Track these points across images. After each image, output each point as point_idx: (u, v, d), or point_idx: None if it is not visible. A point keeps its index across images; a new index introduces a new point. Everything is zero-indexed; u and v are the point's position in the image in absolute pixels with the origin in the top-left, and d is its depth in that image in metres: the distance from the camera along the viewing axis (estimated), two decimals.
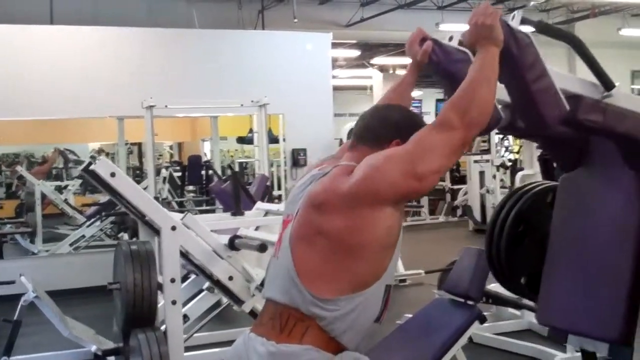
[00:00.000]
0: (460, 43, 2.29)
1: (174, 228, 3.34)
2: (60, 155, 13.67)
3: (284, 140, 9.07)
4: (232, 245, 3.41)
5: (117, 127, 9.16)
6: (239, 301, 3.52)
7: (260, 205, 4.37)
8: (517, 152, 12.91)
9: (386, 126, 1.91)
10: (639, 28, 12.01)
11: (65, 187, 11.55)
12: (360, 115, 2.03)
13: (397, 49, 13.73)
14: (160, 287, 3.41)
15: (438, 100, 16.29)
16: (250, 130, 11.46)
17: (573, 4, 11.86)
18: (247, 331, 1.90)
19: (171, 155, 16.28)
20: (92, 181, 3.76)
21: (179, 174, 11.32)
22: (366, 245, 1.74)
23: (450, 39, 2.29)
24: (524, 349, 4.76)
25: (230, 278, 3.46)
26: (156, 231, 3.87)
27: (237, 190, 3.91)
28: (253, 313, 3.51)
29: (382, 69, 15.39)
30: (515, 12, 2.10)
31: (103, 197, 10.55)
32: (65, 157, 13.64)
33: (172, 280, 3.30)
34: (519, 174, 8.89)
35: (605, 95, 2.08)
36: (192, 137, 15.99)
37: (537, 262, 2.43)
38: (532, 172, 6.91)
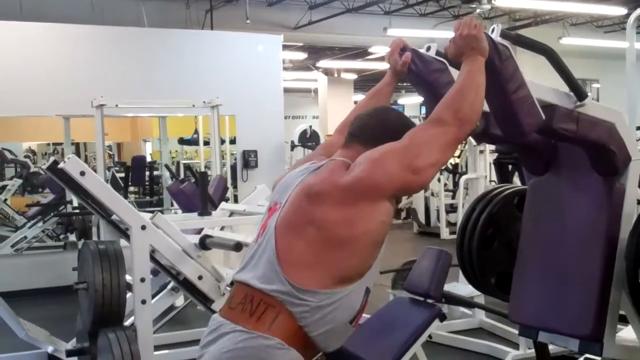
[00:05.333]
0: (438, 53, 2.40)
1: (143, 227, 3.34)
2: None
3: (231, 142, 9.08)
4: (203, 244, 3.44)
5: (62, 126, 8.99)
6: (208, 300, 3.55)
7: (225, 205, 4.41)
8: (458, 157, 13.24)
9: (384, 127, 1.96)
10: (578, 37, 12.48)
11: (4, 187, 11.25)
12: (355, 116, 2.06)
13: (343, 52, 13.89)
14: (128, 286, 3.41)
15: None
16: (196, 132, 11.43)
17: (515, 12, 12.24)
18: (216, 315, 1.88)
19: (110, 156, 16.01)
20: (56, 179, 3.73)
21: (122, 174, 11.15)
22: (358, 239, 1.76)
23: (428, 49, 2.40)
24: (477, 347, 4.93)
25: (200, 277, 3.48)
26: (121, 231, 3.87)
27: (205, 191, 3.94)
28: None
29: (327, 72, 15.52)
30: (495, 25, 2.22)
31: (43, 198, 10.35)
32: (4, 156, 13.27)
33: (142, 280, 3.31)
34: (463, 178, 9.13)
35: (578, 105, 2.22)
36: (132, 137, 15.77)
37: (506, 262, 2.56)
38: (475, 176, 7.09)
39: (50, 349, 4.93)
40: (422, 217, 11.46)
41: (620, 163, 2.26)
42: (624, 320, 2.46)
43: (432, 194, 10.96)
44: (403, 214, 12.73)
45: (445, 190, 10.90)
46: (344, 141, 2.01)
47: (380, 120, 1.98)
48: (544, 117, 2.13)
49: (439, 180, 10.79)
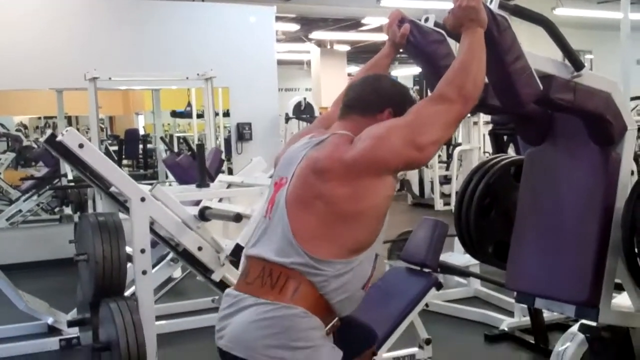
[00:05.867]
0: (436, 24, 2.41)
1: (143, 199, 3.36)
2: None
3: (224, 114, 9.05)
4: (203, 216, 3.47)
5: (54, 99, 8.97)
6: (208, 271, 3.59)
7: (222, 177, 4.44)
8: None
9: (378, 95, 1.98)
10: (572, 8, 12.44)
11: None
12: (349, 85, 2.09)
13: (336, 24, 13.80)
14: (129, 258, 3.45)
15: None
16: (189, 104, 11.40)
17: None
18: (231, 290, 1.94)
19: (102, 129, 15.95)
20: (53, 152, 3.75)
21: (115, 147, 11.14)
22: (365, 212, 1.81)
23: (426, 20, 2.41)
24: (472, 315, 5.01)
25: (200, 248, 3.52)
26: (120, 203, 3.89)
27: (203, 163, 3.96)
28: (222, 283, 3.59)
29: (320, 43, 15.44)
30: None
31: (37, 172, 10.34)
32: None
33: (142, 251, 3.34)
34: (457, 149, 9.16)
35: (575, 75, 2.25)
36: (124, 111, 15.70)
37: (503, 231, 2.60)
38: (469, 147, 7.12)
39: (50, 320, 4.99)
40: (416, 189, 11.52)
41: (616, 132, 2.29)
42: (619, 288, 2.52)
43: (427, 166, 10.99)
44: (397, 186, 12.78)
45: (439, 162, 10.93)
46: (339, 113, 2.03)
47: (374, 88, 2.01)
48: (541, 87, 2.15)
49: None
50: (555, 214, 2.36)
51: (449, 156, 11.32)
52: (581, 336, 2.58)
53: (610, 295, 2.30)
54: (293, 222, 1.82)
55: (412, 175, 11.39)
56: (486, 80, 2.21)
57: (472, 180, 2.75)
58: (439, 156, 11.24)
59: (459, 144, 9.98)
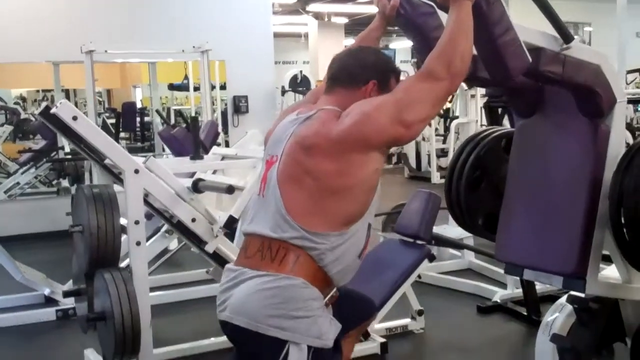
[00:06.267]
0: None
1: (137, 171, 3.37)
2: None
3: (221, 87, 9.04)
4: (196, 187, 3.49)
5: (51, 72, 8.94)
6: (202, 242, 3.61)
7: (216, 150, 4.45)
8: (450, 101, 13.24)
9: (362, 66, 1.99)
10: None
11: None
12: (333, 58, 2.09)
13: None
14: (123, 229, 3.47)
15: None
16: (186, 77, 11.36)
17: None
18: (231, 265, 2.00)
19: (100, 102, 15.93)
20: (48, 125, 3.75)
21: (112, 120, 11.14)
22: (353, 186, 1.84)
23: None
24: (466, 287, 5.05)
25: (194, 220, 3.54)
26: (115, 175, 3.91)
27: (197, 135, 3.97)
28: (215, 254, 3.62)
29: (318, 16, 15.35)
30: None
31: (34, 144, 10.35)
32: None
33: (136, 222, 3.35)
34: (454, 122, 9.17)
35: (564, 48, 2.25)
36: (121, 84, 15.65)
37: (493, 203, 2.62)
38: (466, 120, 7.12)
39: (47, 291, 5.04)
40: (413, 162, 11.54)
41: (605, 105, 2.30)
42: (607, 260, 2.54)
43: (423, 139, 11.00)
44: (394, 159, 12.79)
45: (436, 135, 10.95)
46: (325, 87, 2.04)
47: (358, 60, 2.02)
48: (530, 60, 2.15)
49: (429, 124, 10.82)
50: (543, 185, 2.37)
51: (446, 129, 11.33)
52: (570, 307, 2.61)
53: (597, 267, 2.32)
54: (286, 198, 1.86)
55: (409, 149, 11.40)
56: (475, 52, 2.22)
57: (462, 153, 2.77)
58: (436, 129, 11.25)
59: (456, 117, 9.99)
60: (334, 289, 1.99)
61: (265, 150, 2.06)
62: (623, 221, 2.23)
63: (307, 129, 1.90)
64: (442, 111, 11.96)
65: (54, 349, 4.34)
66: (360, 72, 1.99)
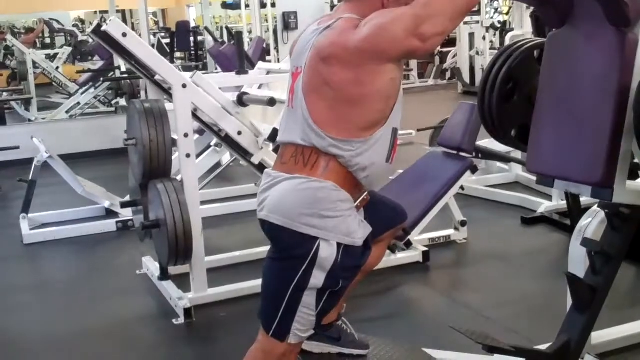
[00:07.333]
0: None
1: (184, 86, 3.49)
2: (45, 25, 13.53)
3: (272, 5, 9.00)
4: (241, 101, 3.59)
5: None
6: (248, 154, 3.74)
7: (262, 65, 4.51)
8: (507, 14, 12.86)
9: None
10: None
11: (55, 55, 11.53)
12: None
13: None
14: (174, 143, 3.62)
15: None
16: None
17: None
18: (269, 170, 2.12)
19: (155, 22, 16.06)
20: (101, 42, 3.88)
21: (167, 40, 11.27)
22: (369, 96, 1.88)
23: None
24: (512, 199, 5.09)
25: (240, 133, 3.66)
26: (165, 91, 4.04)
27: (241, 50, 4.04)
28: (261, 165, 3.75)
29: None
30: None
31: (92, 65, 10.60)
32: (51, 26, 13.48)
33: (186, 135, 3.50)
34: (509, 35, 8.93)
35: None
36: (176, 3, 15.72)
37: (525, 115, 2.62)
38: (521, 33, 6.95)
39: (107, 204, 5.31)
40: (467, 77, 11.38)
41: (632, 14, 2.25)
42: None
43: (477, 53, 10.80)
44: (448, 74, 12.63)
45: (491, 49, 10.72)
46: None
47: None
48: None
49: (484, 38, 10.59)
50: (571, 95, 2.36)
51: (502, 43, 11.07)
52: (602, 213, 2.64)
53: (625, 176, 2.32)
54: (311, 108, 1.94)
55: (463, 63, 11.24)
56: None
57: (495, 64, 2.75)
58: (491, 42, 11.01)
59: (512, 29, 9.74)
60: (365, 193, 2.08)
61: (291, 62, 2.11)
62: None
63: (326, 39, 1.93)
64: (498, 24, 11.67)
65: (114, 258, 4.61)
66: None
